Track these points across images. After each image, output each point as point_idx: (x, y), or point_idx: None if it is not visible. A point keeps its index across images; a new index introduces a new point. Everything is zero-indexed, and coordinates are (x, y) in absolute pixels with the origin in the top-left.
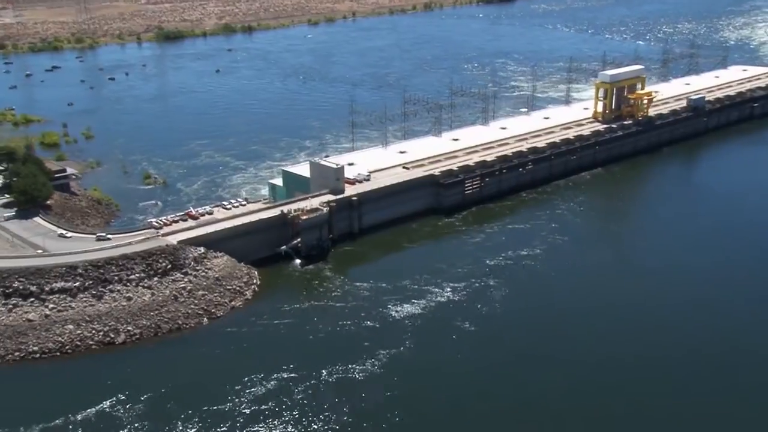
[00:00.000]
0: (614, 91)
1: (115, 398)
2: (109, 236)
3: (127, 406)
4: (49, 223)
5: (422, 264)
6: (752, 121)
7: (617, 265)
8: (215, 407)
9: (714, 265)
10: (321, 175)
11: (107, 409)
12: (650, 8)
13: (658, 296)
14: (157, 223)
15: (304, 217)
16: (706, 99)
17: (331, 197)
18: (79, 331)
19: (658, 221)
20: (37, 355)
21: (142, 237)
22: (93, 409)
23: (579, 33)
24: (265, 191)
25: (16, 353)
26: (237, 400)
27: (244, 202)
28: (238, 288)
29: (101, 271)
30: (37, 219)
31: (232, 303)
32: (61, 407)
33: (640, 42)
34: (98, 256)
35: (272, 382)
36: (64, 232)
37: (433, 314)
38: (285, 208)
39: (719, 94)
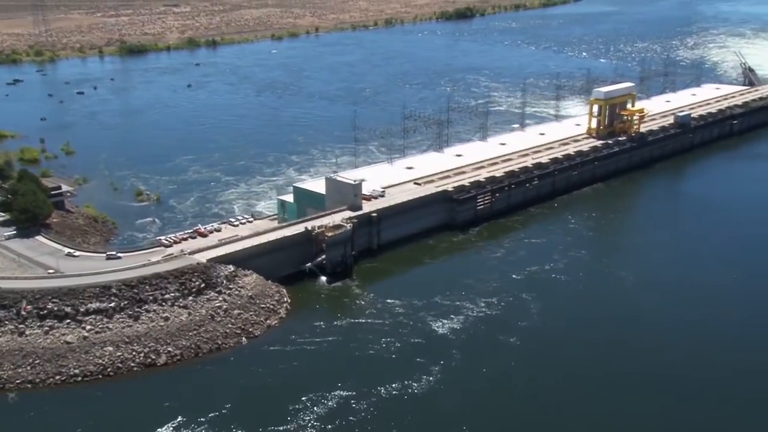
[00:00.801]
0: (608, 108)
1: (167, 421)
2: (119, 255)
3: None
4: (52, 241)
5: (449, 279)
6: (732, 137)
7: (640, 277)
8: (270, 429)
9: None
10: (338, 191)
11: None
12: (604, 27)
13: (691, 310)
14: (166, 240)
15: (330, 234)
16: (691, 116)
17: (350, 213)
18: (119, 353)
19: (666, 234)
20: (79, 378)
21: (166, 256)
22: None
23: (543, 50)
24: (261, 207)
25: (57, 377)
26: (293, 420)
27: (251, 219)
28: (271, 306)
29: (135, 290)
30: (40, 238)
31: (268, 322)
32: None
33: (603, 60)
34: (129, 276)
35: (328, 402)
36: (71, 251)
37: (474, 329)
38: (309, 225)
39: (701, 112)
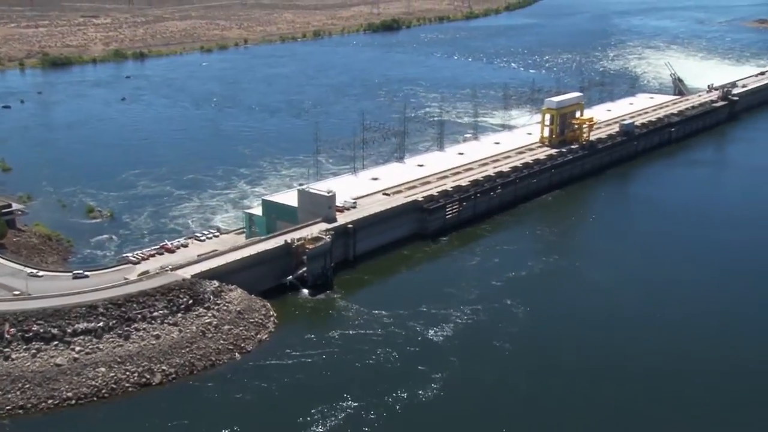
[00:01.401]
0: (559, 117)
1: None
2: (87, 273)
3: None
4: (11, 262)
5: (430, 288)
6: (670, 144)
7: (612, 277)
8: None
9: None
10: (311, 203)
11: None
12: (528, 39)
13: (664, 305)
14: (134, 257)
15: (310, 247)
16: (635, 124)
17: (326, 225)
18: (112, 374)
19: (626, 236)
20: (73, 402)
21: (141, 273)
22: None
23: (474, 62)
24: (218, 221)
25: (50, 401)
26: None
27: (217, 234)
28: (259, 321)
29: (123, 309)
30: None
31: (258, 336)
32: None
33: (532, 70)
34: (112, 294)
35: (333, 413)
36: (34, 271)
37: (466, 336)
38: (288, 238)
39: (642, 120)
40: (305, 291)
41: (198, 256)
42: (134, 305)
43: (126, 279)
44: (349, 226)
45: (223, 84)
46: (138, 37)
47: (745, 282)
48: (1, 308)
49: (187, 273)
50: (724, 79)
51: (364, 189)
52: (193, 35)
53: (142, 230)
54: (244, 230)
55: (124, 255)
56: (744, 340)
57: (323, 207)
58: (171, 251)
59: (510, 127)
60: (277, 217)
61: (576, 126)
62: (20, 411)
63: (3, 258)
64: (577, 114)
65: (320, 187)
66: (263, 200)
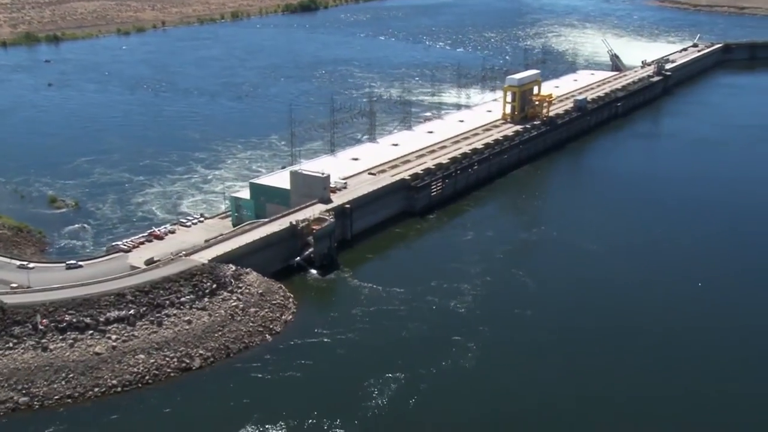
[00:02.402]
0: (521, 94)
1: (225, 421)
2: (80, 263)
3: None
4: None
5: (435, 264)
6: (617, 118)
7: (603, 245)
8: (335, 419)
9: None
10: (305, 185)
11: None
12: (447, 18)
13: (656, 268)
14: (124, 245)
15: (316, 227)
16: (587, 100)
17: (323, 206)
18: (152, 360)
19: (604, 206)
20: (119, 389)
21: (151, 260)
22: None
23: (401, 41)
24: (186, 206)
25: (96, 389)
26: (347, 409)
27: (202, 219)
28: (280, 302)
29: (151, 296)
30: None
31: (283, 317)
32: None
33: (460, 50)
34: (131, 283)
35: (380, 386)
36: (24, 262)
37: (485, 305)
38: (292, 220)
39: (591, 96)
40: (313, 271)
41: (205, 241)
42: (161, 291)
43: (133, 267)
44: (347, 206)
45: (153, 68)
46: (46, 18)
47: (706, 234)
48: (26, 300)
49: (202, 258)
50: (643, 55)
51: (347, 169)
52: (106, 17)
53: (111, 219)
54: (229, 214)
55: (114, 243)
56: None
57: (318, 188)
58: (160, 238)
59: (468, 106)
60: (266, 199)
61: (537, 102)
62: (69, 400)
63: None
64: (535, 90)
65: (303, 168)
66: (251, 183)
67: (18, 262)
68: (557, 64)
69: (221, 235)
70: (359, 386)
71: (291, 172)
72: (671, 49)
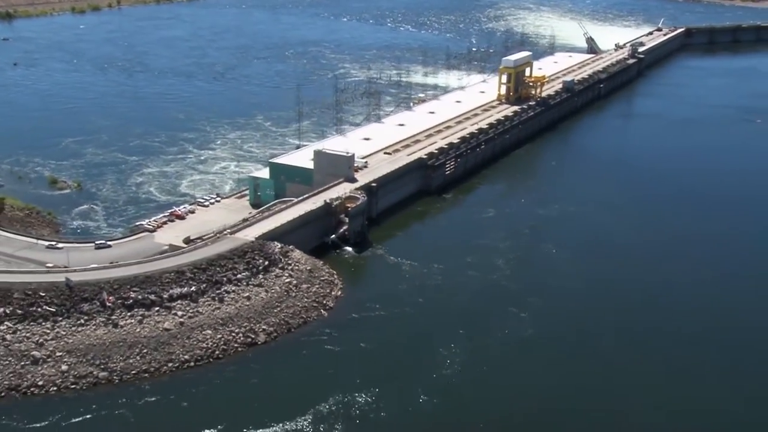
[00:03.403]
0: (515, 75)
1: (304, 392)
2: (109, 243)
3: (329, 400)
4: (17, 235)
5: (465, 240)
6: (600, 99)
7: (615, 217)
8: (404, 389)
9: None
10: (330, 164)
11: (325, 404)
12: (406, 1)
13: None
14: (148, 225)
15: (351, 206)
16: (574, 81)
17: (350, 185)
18: (219, 336)
19: (611, 183)
20: (191, 364)
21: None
22: (307, 405)
23: (364, 23)
24: (185, 186)
25: (170, 364)
26: (420, 377)
27: (218, 199)
28: (328, 278)
29: (209, 273)
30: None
31: (333, 293)
32: (262, 408)
33: (424, 32)
34: (187, 260)
35: (447, 357)
36: (53, 243)
37: (527, 278)
38: (326, 198)
39: (576, 77)
40: (348, 249)
41: (243, 220)
42: (217, 269)
43: (173, 246)
44: (373, 184)
45: (119, 48)
46: None
47: (710, 203)
48: (89, 278)
49: (247, 236)
50: (601, 38)
51: (361, 149)
52: None
53: (115, 200)
54: (244, 194)
55: (138, 223)
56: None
57: (343, 167)
58: (181, 217)
59: (457, 88)
60: (287, 179)
61: (531, 83)
62: (146, 375)
63: (4, 231)
64: (527, 72)
65: (326, 148)
66: (271, 163)
67: (46, 243)
68: (532, 46)
69: (258, 214)
70: (422, 357)
71: (315, 151)
72: (628, 33)
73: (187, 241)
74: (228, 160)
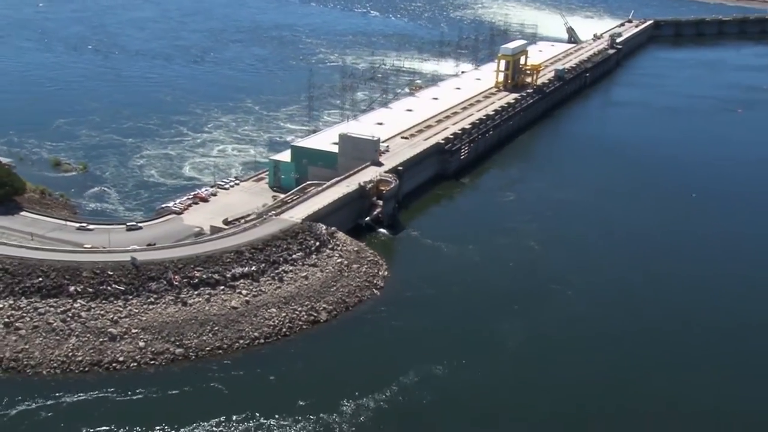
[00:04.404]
0: (513, 63)
1: (377, 370)
2: (140, 225)
3: (402, 374)
4: (47, 217)
5: (493, 223)
6: (586, 88)
7: (628, 202)
8: (471, 361)
9: None
10: (356, 148)
11: (400, 377)
12: None
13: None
14: (175, 207)
15: (384, 188)
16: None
17: (377, 169)
18: (284, 314)
19: (609, 167)
20: (261, 341)
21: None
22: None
23: (333, 9)
24: (188, 168)
25: (241, 341)
26: (487, 351)
27: (237, 182)
28: (373, 259)
29: (266, 253)
30: (26, 214)
31: (380, 273)
32: (348, 379)
33: (393, 18)
34: (243, 240)
35: (510, 331)
36: (84, 224)
37: (568, 258)
38: (360, 181)
39: (566, 66)
40: (383, 230)
41: (283, 202)
42: (273, 249)
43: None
44: (399, 168)
45: (90, 28)
46: None
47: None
48: (153, 257)
49: (292, 217)
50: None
51: (377, 134)
52: None
53: (124, 183)
54: (261, 177)
55: (165, 206)
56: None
57: (369, 151)
58: (205, 200)
59: (448, 76)
60: (309, 162)
61: (528, 71)
62: (219, 352)
63: (33, 212)
64: (522, 60)
65: (351, 132)
66: (293, 146)
67: (76, 224)
68: (516, 36)
69: (294, 196)
70: (481, 332)
71: (340, 135)
72: (591, 24)
73: (227, 222)
74: (226, 143)
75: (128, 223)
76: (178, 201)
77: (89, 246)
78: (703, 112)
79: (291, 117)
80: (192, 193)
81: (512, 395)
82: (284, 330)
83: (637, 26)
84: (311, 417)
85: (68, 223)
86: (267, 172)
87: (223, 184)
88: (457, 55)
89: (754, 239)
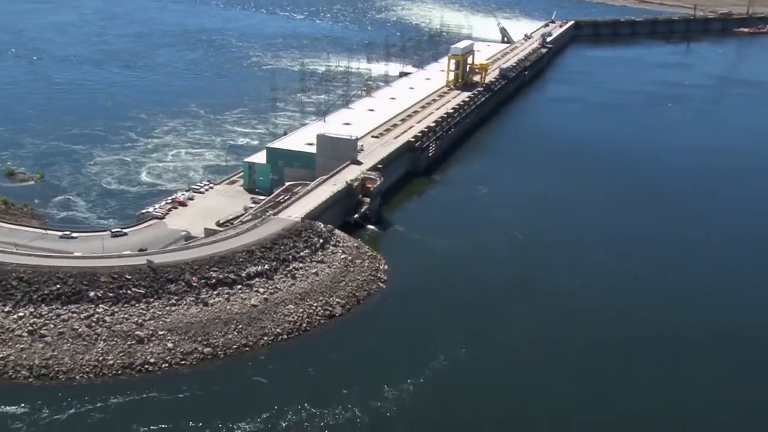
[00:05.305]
0: (463, 62)
1: (398, 358)
2: (124, 231)
3: (427, 359)
4: (22, 226)
5: (475, 216)
6: (525, 86)
7: (586, 189)
8: (483, 347)
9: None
10: (334, 148)
11: (426, 362)
12: None
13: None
14: (156, 212)
15: (371, 186)
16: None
17: (357, 167)
18: (301, 310)
19: (566, 159)
20: (284, 336)
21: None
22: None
23: (256, 12)
24: (145, 174)
25: (265, 338)
26: (499, 336)
27: (211, 185)
28: (371, 254)
29: (275, 252)
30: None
31: (381, 267)
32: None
33: (319, 21)
34: (251, 240)
35: (519, 315)
36: (67, 232)
37: (556, 246)
38: (347, 179)
39: (507, 65)
40: (371, 227)
41: (276, 202)
42: (281, 247)
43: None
44: (379, 166)
45: (6, 32)
46: None
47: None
48: (169, 260)
49: (290, 216)
50: (485, 30)
51: (347, 134)
52: None
53: (84, 191)
54: (234, 180)
55: (145, 211)
56: None
57: (348, 150)
58: (183, 204)
59: (405, 74)
60: (285, 163)
61: (477, 70)
62: (246, 349)
63: (4, 222)
64: (469, 60)
65: (328, 132)
66: (268, 148)
67: (59, 233)
68: (452, 36)
69: (283, 196)
70: (491, 316)
71: (318, 135)
72: (509, 25)
73: (219, 224)
74: (180, 147)
75: (113, 230)
76: (157, 206)
77: (79, 254)
78: (638, 107)
79: (239, 120)
80: (170, 198)
81: (534, 372)
82: (304, 325)
83: (561, 26)
84: (358, 403)
85: (49, 231)
86: (240, 175)
87: (198, 188)
88: (402, 56)
89: (698, 216)
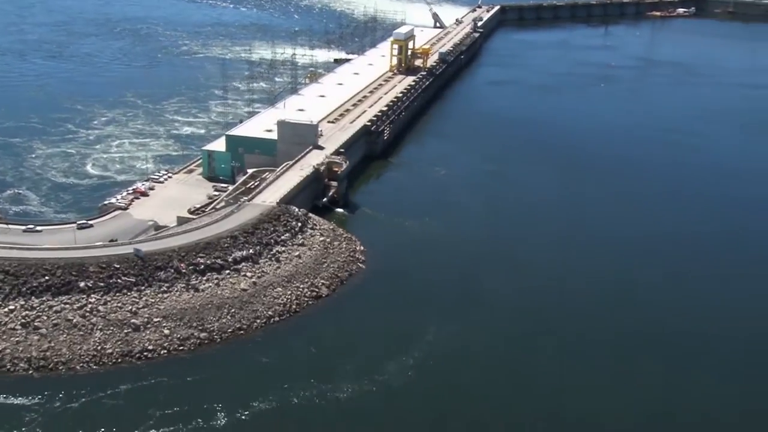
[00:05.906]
0: (405, 47)
1: (388, 334)
2: (90, 223)
3: (419, 334)
4: None
5: (438, 197)
6: (462, 69)
7: (533, 166)
8: (471, 317)
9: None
10: (295, 134)
11: (419, 336)
12: None
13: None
14: (119, 203)
15: (338, 170)
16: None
17: (321, 152)
18: (289, 292)
19: (507, 138)
20: (276, 319)
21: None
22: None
23: (178, 1)
24: (91, 165)
25: (257, 321)
26: (483, 307)
27: (170, 175)
28: (347, 236)
29: (258, 236)
30: None
31: (358, 248)
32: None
33: (244, 9)
34: (232, 225)
35: (497, 287)
36: (31, 226)
37: (520, 221)
38: (313, 164)
39: (444, 49)
40: (339, 210)
41: (247, 188)
42: (263, 232)
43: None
44: (342, 150)
45: None
46: None
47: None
48: (156, 248)
49: (265, 201)
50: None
51: (303, 119)
52: None
53: (33, 185)
54: (192, 169)
55: (108, 202)
56: None
57: (309, 136)
58: (145, 194)
59: (347, 60)
60: (245, 150)
61: (419, 54)
62: (241, 332)
63: None
64: (411, 44)
65: (289, 118)
66: (227, 135)
67: (22, 227)
68: (386, 22)
69: (259, 181)
70: (472, 290)
71: (278, 121)
72: (439, 10)
73: (192, 212)
74: (122, 137)
75: (78, 222)
76: (119, 197)
77: (49, 246)
78: (573, 87)
79: (179, 110)
80: (131, 188)
81: (521, 345)
82: (293, 307)
83: (488, 11)
84: (365, 377)
85: (10, 226)
86: (197, 163)
87: (157, 177)
88: (339, 42)
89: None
